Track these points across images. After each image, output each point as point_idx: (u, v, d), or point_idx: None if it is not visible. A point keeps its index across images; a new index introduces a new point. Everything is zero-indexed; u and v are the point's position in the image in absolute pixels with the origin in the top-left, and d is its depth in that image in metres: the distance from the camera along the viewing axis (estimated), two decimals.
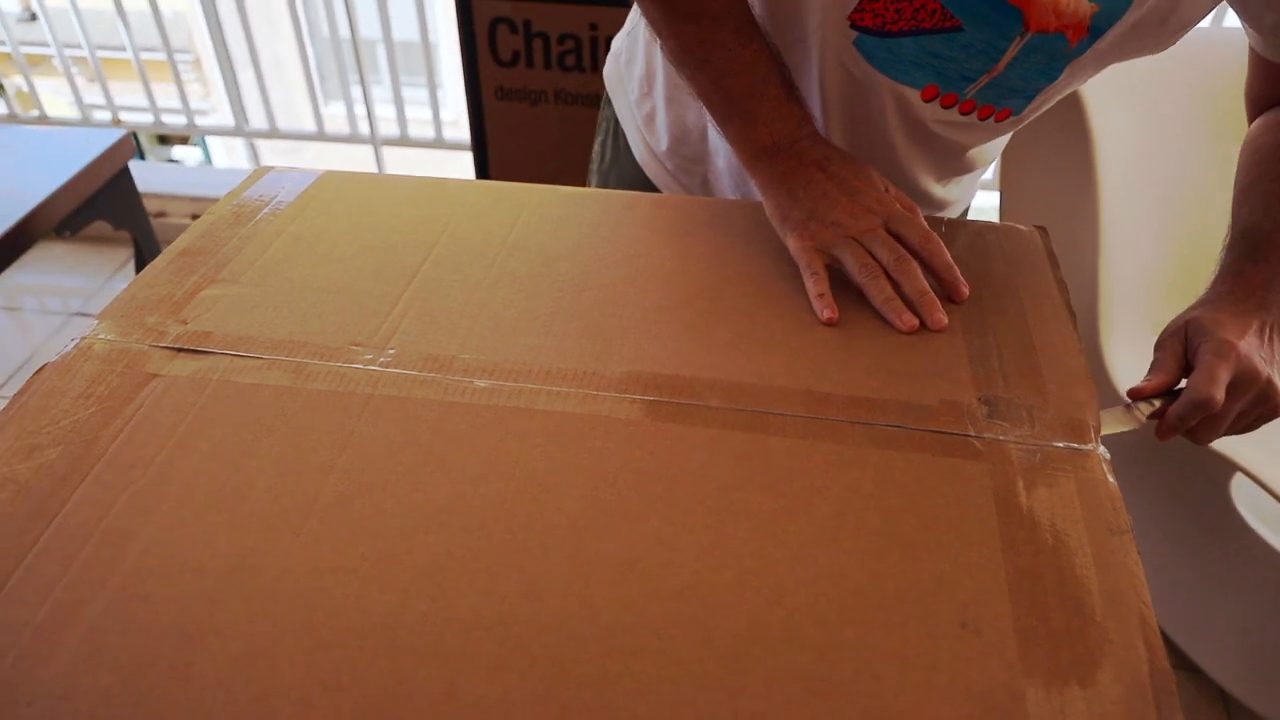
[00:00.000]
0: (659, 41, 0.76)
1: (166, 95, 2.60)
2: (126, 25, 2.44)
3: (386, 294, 0.68)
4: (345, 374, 0.61)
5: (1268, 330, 0.67)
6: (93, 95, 2.65)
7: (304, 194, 0.82)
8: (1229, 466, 1.23)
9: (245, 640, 0.45)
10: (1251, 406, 0.66)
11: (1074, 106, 1.31)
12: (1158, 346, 0.68)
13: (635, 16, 0.94)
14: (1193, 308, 0.70)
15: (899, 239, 0.70)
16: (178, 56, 2.50)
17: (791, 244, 0.71)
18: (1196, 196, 1.42)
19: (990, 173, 1.76)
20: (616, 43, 0.98)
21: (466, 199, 0.81)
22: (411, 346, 0.63)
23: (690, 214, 0.79)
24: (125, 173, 1.47)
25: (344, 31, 2.32)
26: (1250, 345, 0.65)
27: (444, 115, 2.45)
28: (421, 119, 2.53)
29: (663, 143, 0.92)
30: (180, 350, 0.63)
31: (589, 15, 1.39)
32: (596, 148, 1.04)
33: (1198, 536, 1.43)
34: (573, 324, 0.65)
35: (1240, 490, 1.40)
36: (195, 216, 2.54)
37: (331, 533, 0.50)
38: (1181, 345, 0.67)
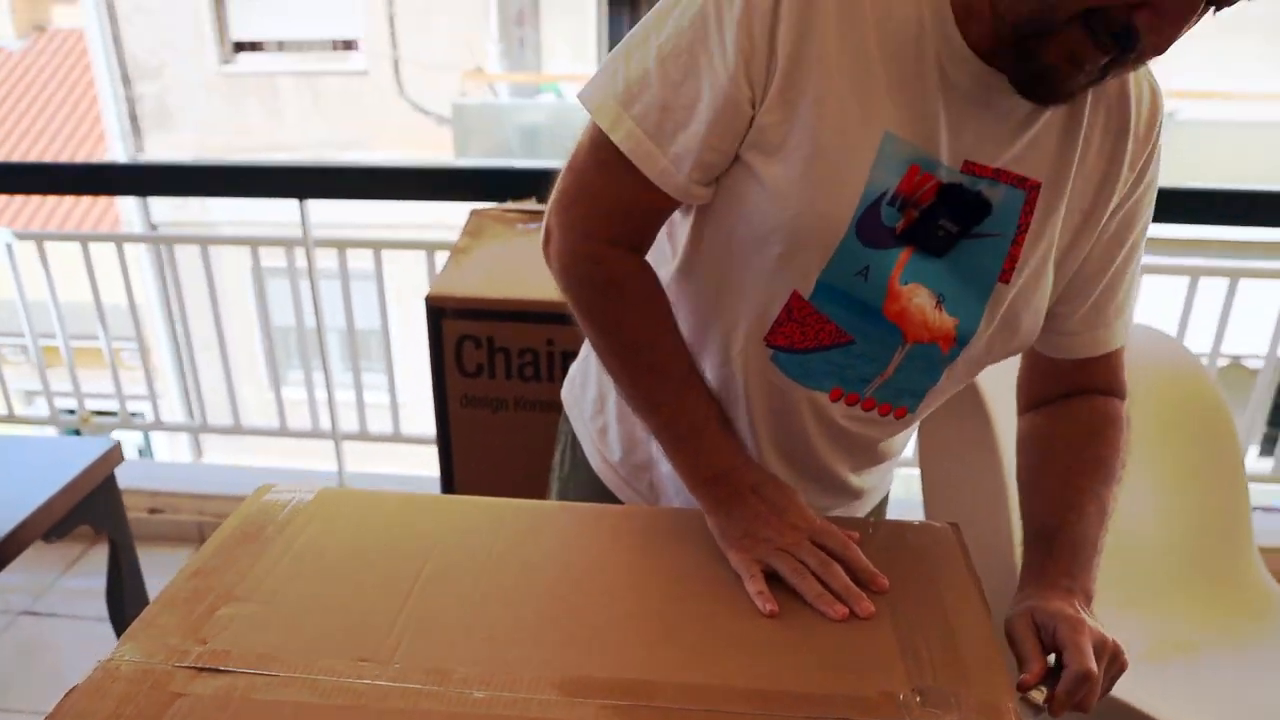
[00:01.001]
0: (618, 389, 0.91)
1: (105, 382, 2.69)
2: (104, 320, 2.58)
3: (387, 609, 0.77)
4: (356, 689, 0.68)
5: (1083, 606, 0.83)
6: (32, 382, 2.72)
7: (305, 510, 0.92)
8: None
9: None
10: (1108, 668, 0.79)
11: (974, 398, 1.47)
12: (1011, 639, 0.81)
13: (588, 347, 1.10)
14: (1021, 601, 0.84)
15: (822, 548, 0.83)
16: (126, 345, 2.62)
17: (732, 557, 0.84)
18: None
19: (910, 451, 1.92)
20: (573, 369, 1.14)
21: (451, 514, 0.92)
22: (414, 661, 0.71)
23: (652, 525, 0.91)
24: (111, 479, 1.55)
25: (308, 321, 2.48)
26: (1087, 618, 0.80)
27: (402, 397, 2.59)
28: (380, 403, 2.68)
29: (615, 453, 1.05)
30: (202, 669, 0.70)
31: (546, 333, 1.59)
32: (556, 457, 1.16)
33: None
34: (556, 633, 0.74)
35: None
36: (153, 510, 2.58)
37: None
38: (1033, 633, 0.81)
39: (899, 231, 0.81)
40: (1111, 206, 0.87)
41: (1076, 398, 0.97)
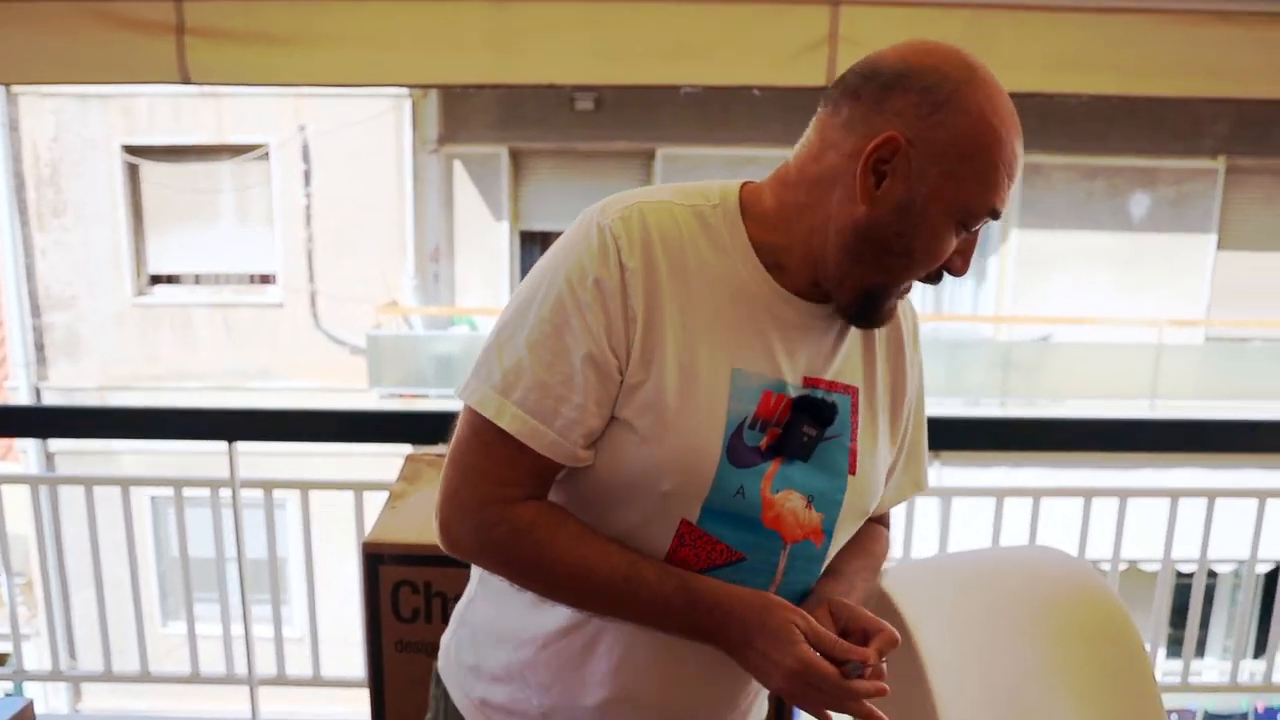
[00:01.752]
0: (583, 610, 0.96)
1: None
2: (8, 563, 2.50)
3: None
4: None
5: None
6: None
7: None
8: None
9: None
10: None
11: (894, 619, 1.50)
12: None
13: (454, 623, 1.12)
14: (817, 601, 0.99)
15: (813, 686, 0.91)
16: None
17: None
18: (1040, 701, 1.54)
19: None
20: (444, 638, 1.14)
21: None
22: None
23: None
24: None
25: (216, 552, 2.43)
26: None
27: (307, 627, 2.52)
28: (295, 637, 2.61)
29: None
30: None
31: None
32: None
33: None
34: None
35: None
36: None
37: None
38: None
39: (764, 447, 0.95)
40: (906, 402, 1.08)
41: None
